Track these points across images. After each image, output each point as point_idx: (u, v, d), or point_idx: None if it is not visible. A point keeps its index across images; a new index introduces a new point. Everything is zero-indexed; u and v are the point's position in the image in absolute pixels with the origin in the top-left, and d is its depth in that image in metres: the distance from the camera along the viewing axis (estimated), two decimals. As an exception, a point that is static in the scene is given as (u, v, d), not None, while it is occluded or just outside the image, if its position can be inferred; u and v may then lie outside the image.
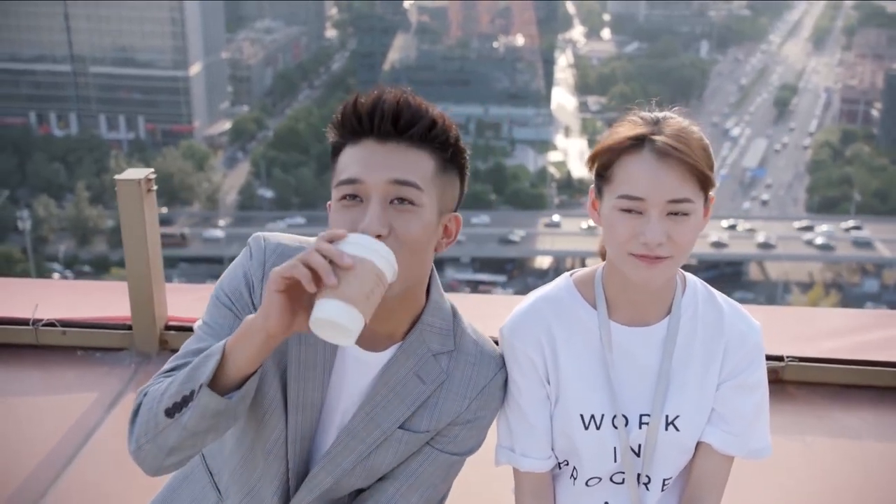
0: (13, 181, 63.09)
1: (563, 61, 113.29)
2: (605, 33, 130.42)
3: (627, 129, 1.66)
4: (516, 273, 61.30)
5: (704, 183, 1.62)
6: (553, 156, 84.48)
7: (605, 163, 1.67)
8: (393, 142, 1.60)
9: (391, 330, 1.73)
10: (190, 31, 77.65)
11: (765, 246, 61.70)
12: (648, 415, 1.75)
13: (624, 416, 1.75)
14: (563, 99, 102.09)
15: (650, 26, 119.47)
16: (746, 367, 1.80)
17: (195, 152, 70.14)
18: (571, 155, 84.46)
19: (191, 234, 64.71)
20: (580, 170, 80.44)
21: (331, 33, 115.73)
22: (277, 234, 1.75)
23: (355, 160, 1.58)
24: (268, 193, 70.62)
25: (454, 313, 1.82)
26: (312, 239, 1.65)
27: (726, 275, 61.35)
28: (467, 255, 62.64)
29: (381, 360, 1.73)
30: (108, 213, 59.90)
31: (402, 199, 1.56)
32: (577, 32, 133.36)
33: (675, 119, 1.69)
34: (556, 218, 66.78)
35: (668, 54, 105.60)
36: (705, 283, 1.88)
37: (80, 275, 52.06)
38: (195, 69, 79.16)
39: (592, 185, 1.78)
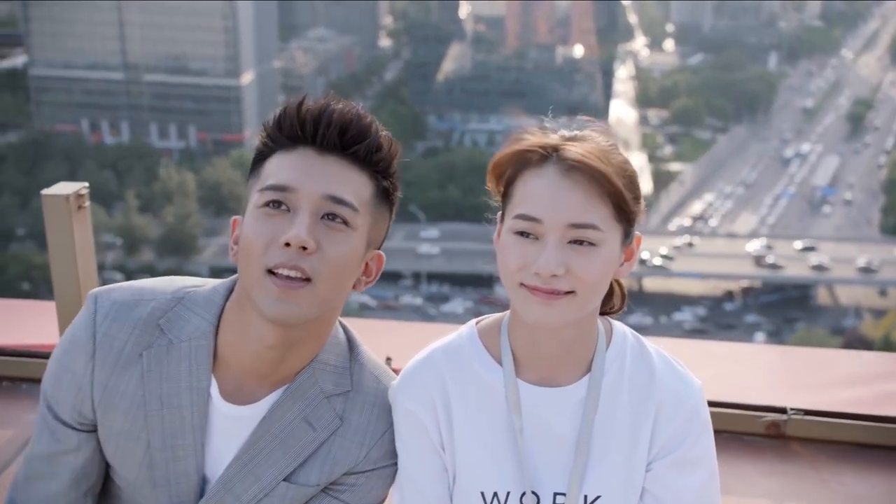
0: (64, 188, 64.85)
1: (623, 73, 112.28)
2: (669, 44, 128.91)
3: (535, 137, 1.50)
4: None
5: (623, 214, 1.45)
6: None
7: (508, 178, 1.51)
8: (334, 155, 1.51)
9: (285, 371, 1.56)
10: (242, 40, 79.19)
11: (832, 268, 59.93)
12: (563, 494, 1.49)
13: (534, 493, 1.49)
14: (622, 112, 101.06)
15: (716, 37, 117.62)
16: (684, 438, 1.52)
17: (245, 162, 71.29)
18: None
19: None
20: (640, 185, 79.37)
21: (385, 42, 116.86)
22: (117, 287, 1.59)
23: (288, 167, 1.49)
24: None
25: (351, 346, 1.64)
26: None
27: (791, 299, 59.71)
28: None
29: (261, 411, 1.55)
30: (157, 222, 61.21)
31: (334, 217, 1.48)
32: (639, 43, 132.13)
33: (597, 136, 1.52)
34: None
35: (735, 66, 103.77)
36: (637, 334, 1.61)
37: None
38: (247, 78, 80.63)
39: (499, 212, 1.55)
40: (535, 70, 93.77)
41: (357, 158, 1.52)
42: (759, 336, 55.02)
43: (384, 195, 1.58)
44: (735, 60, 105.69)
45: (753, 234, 69.36)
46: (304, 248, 1.43)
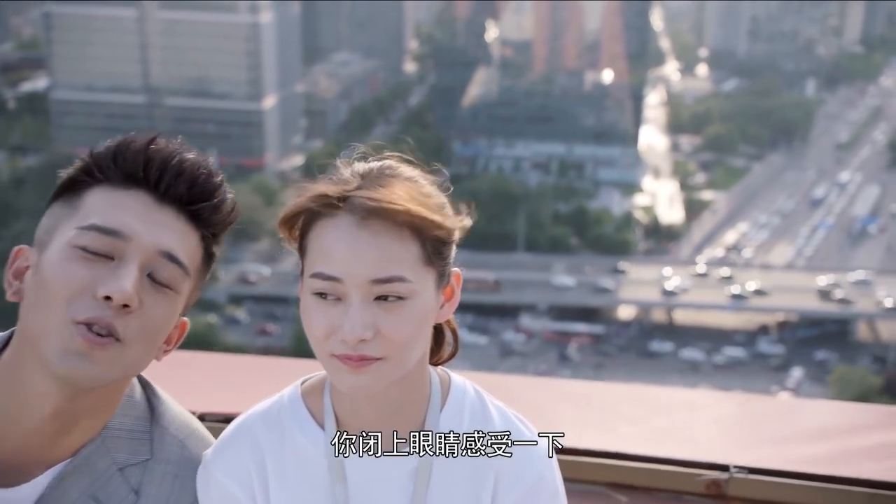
0: (82, 212, 65.81)
1: (654, 99, 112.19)
2: (702, 69, 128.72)
3: (324, 184, 1.33)
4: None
5: (435, 254, 1.32)
6: (640, 199, 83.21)
7: (301, 229, 1.34)
8: (174, 208, 1.38)
9: (66, 447, 1.37)
10: (265, 63, 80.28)
11: (875, 303, 58.90)
12: None
13: None
14: (653, 139, 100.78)
15: (751, 62, 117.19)
16: None
17: (265, 187, 71.98)
18: (660, 198, 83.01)
19: (256, 272, 66.19)
20: (670, 214, 78.95)
21: (409, 67, 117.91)
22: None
23: (120, 209, 1.34)
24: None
25: (152, 406, 1.47)
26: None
27: (830, 334, 58.65)
28: (545, 303, 61.87)
29: (33, 493, 1.35)
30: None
31: (161, 276, 1.35)
32: (671, 68, 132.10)
33: (393, 169, 1.36)
34: (641, 268, 65.43)
35: (771, 93, 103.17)
36: (480, 390, 1.47)
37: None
38: (269, 102, 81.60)
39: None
40: (563, 95, 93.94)
41: (198, 217, 1.37)
42: (797, 371, 54.09)
43: (209, 261, 1.44)
44: (771, 86, 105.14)
45: (790, 266, 68.44)
46: (126, 306, 1.27)
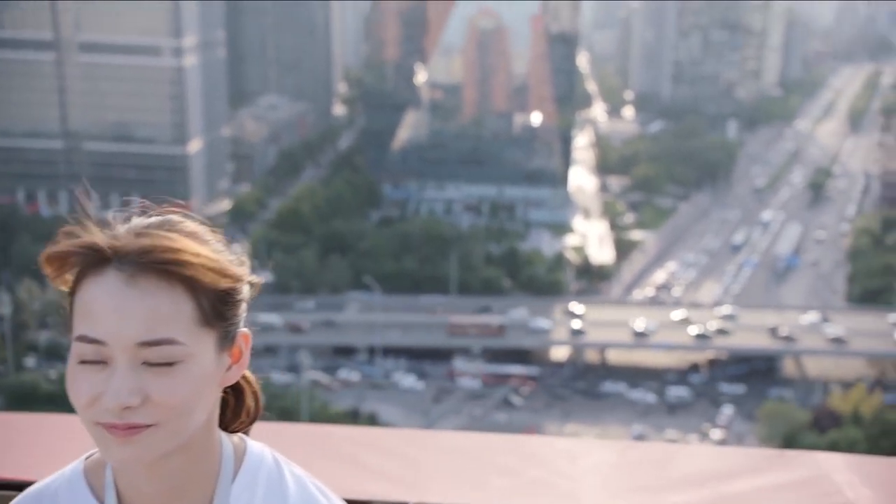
0: (-3, 262, 63.67)
1: (582, 140, 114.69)
2: (628, 112, 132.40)
3: (91, 235, 1.23)
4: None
5: (215, 314, 1.23)
6: (570, 239, 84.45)
7: (72, 287, 1.24)
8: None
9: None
10: (190, 107, 79.48)
11: (795, 340, 60.53)
12: None
13: None
14: (582, 179, 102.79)
15: (675, 105, 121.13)
16: None
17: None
18: (591, 239, 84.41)
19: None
20: (600, 254, 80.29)
21: (339, 110, 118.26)
22: None
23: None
24: (267, 277, 70.87)
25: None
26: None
27: (758, 371, 60.04)
28: (478, 345, 61.86)
29: None
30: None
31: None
32: (598, 110, 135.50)
33: (173, 224, 1.27)
34: (574, 307, 66.08)
35: (694, 134, 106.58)
36: (280, 457, 1.39)
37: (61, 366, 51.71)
38: (195, 146, 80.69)
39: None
40: (493, 138, 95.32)
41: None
42: (727, 409, 55.06)
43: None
44: (694, 128, 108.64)
45: (718, 304, 70.12)
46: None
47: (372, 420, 51.57)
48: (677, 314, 64.15)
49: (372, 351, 61.23)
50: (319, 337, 63.22)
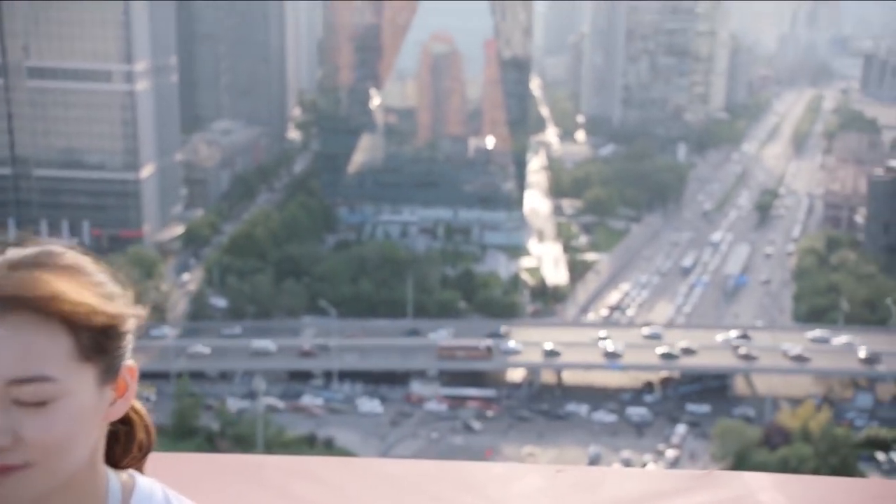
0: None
1: (536, 163, 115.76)
2: (580, 135, 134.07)
3: None
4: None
5: (95, 348, 1.19)
6: (526, 262, 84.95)
7: None
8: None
9: None
10: (142, 132, 78.55)
11: (749, 358, 61.40)
12: None
13: None
14: (536, 202, 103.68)
15: (625, 128, 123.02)
16: None
17: (143, 259, 69.69)
18: (546, 261, 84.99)
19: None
20: (555, 276, 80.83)
21: (293, 134, 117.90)
22: None
23: None
24: (221, 302, 69.90)
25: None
26: None
27: (711, 389, 60.75)
28: (434, 368, 61.69)
29: None
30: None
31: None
32: (551, 134, 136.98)
33: (50, 256, 1.22)
34: (530, 331, 66.30)
35: (645, 157, 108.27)
36: (170, 493, 1.35)
37: None
38: (147, 171, 79.65)
39: None
40: (448, 161, 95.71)
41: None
42: (681, 428, 55.52)
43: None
44: (645, 151, 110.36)
45: (670, 324, 70.97)
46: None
47: (329, 445, 51.03)
48: (675, 336, 63.76)
49: (329, 375, 60.71)
50: (275, 362, 62.51)
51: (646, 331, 65.52)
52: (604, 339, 63.14)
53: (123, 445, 1.34)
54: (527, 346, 62.96)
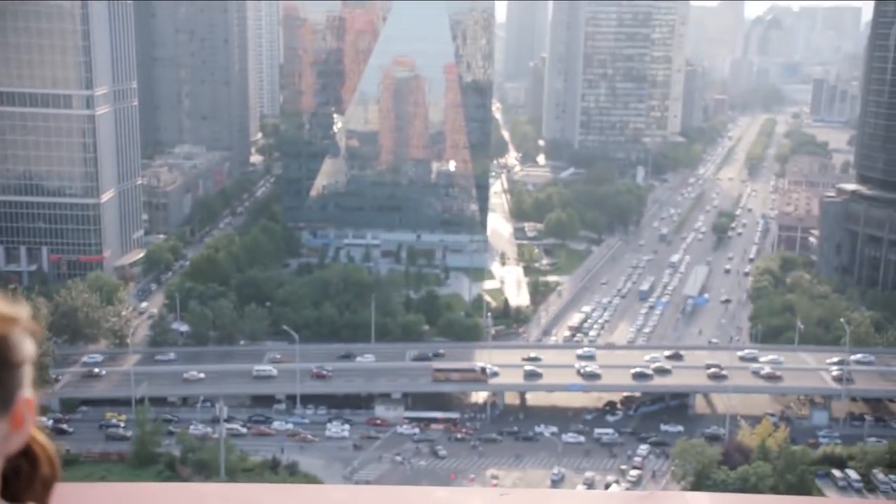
0: None
1: (498, 187, 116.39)
2: (541, 159, 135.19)
3: None
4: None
5: None
6: (489, 284, 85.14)
7: None
8: None
9: None
10: (103, 157, 77.57)
11: (709, 377, 62.00)
12: None
13: None
14: (498, 225, 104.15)
15: (585, 152, 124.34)
16: None
17: (104, 284, 68.53)
18: (508, 283, 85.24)
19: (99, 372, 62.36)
20: (518, 298, 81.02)
21: (256, 158, 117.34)
22: None
23: None
24: (182, 327, 68.88)
25: None
26: None
27: (671, 408, 61.16)
28: (398, 391, 61.33)
29: None
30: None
31: None
32: (512, 158, 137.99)
33: None
34: (492, 353, 66.24)
35: (604, 180, 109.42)
36: None
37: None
38: (107, 196, 78.58)
39: None
40: (411, 185, 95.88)
41: None
42: (643, 448, 55.65)
43: None
44: (605, 174, 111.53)
45: (631, 344, 71.42)
46: None
47: (292, 471, 50.26)
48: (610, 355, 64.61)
49: (292, 399, 59.97)
50: (238, 387, 61.65)
51: (579, 351, 66.02)
52: (532, 359, 63.53)
53: (26, 479, 1.28)
54: (503, 369, 62.78)
